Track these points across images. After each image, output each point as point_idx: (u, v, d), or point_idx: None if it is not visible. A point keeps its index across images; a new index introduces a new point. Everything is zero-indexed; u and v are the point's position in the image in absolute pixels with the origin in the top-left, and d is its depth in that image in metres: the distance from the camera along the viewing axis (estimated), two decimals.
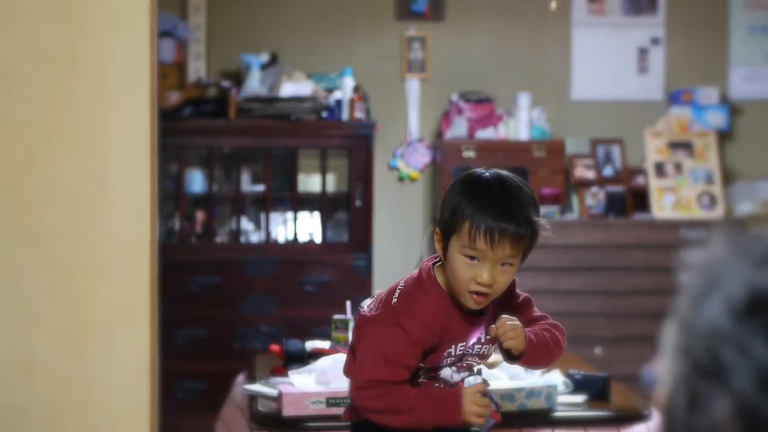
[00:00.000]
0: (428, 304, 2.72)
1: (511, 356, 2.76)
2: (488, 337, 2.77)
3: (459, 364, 2.80)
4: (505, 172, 2.74)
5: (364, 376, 2.71)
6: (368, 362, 2.70)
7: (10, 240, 3.73)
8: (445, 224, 2.68)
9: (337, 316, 4.19)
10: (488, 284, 2.64)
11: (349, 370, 2.81)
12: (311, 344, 4.02)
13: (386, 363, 2.68)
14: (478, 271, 2.64)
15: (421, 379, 2.77)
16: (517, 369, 3.71)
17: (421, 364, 2.75)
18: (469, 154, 6.40)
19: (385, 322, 2.69)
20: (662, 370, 1.04)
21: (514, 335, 2.69)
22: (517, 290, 2.86)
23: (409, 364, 2.70)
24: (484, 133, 6.51)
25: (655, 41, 6.82)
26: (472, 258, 2.64)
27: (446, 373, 2.80)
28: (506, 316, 2.72)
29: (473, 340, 2.77)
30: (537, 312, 2.87)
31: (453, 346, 2.75)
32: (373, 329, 2.71)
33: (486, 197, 2.66)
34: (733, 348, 0.97)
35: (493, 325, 2.71)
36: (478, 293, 2.66)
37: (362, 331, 2.75)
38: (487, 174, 2.71)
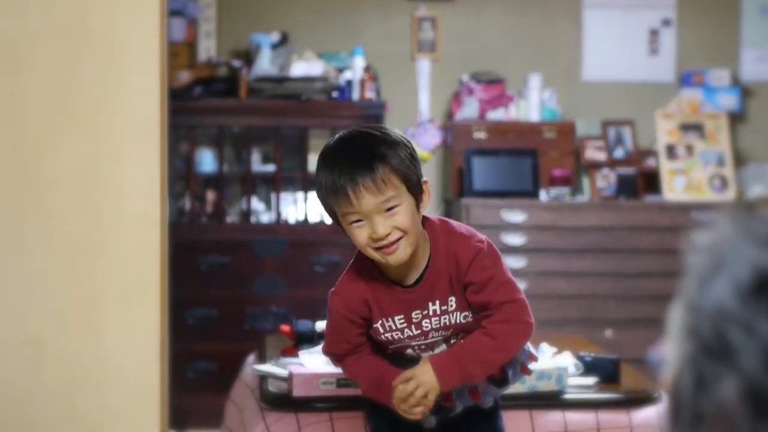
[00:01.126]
0: (348, 281, 2.76)
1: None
2: (444, 308, 2.71)
3: (421, 343, 2.77)
4: (351, 129, 2.69)
5: (323, 349, 2.90)
6: (326, 334, 2.87)
7: (21, 219, 3.73)
8: (329, 208, 2.65)
9: None
10: (383, 235, 2.57)
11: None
12: (321, 325, 4.02)
13: (330, 337, 2.82)
14: (368, 230, 2.59)
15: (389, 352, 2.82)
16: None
17: (389, 342, 2.77)
18: (480, 135, 6.39)
19: (328, 305, 2.79)
20: (669, 351, 1.03)
21: (415, 402, 2.67)
22: (481, 268, 2.68)
23: (350, 338, 2.77)
24: (495, 114, 6.50)
25: (666, 23, 6.79)
26: (358, 221, 2.59)
27: (409, 353, 2.81)
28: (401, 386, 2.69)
29: (416, 311, 2.71)
30: (494, 296, 2.67)
31: (391, 320, 2.72)
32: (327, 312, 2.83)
33: (327, 162, 2.62)
34: (740, 328, 0.96)
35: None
36: (382, 247, 2.60)
37: None
38: (333, 139, 2.68)
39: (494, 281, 2.67)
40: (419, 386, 2.66)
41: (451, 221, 2.77)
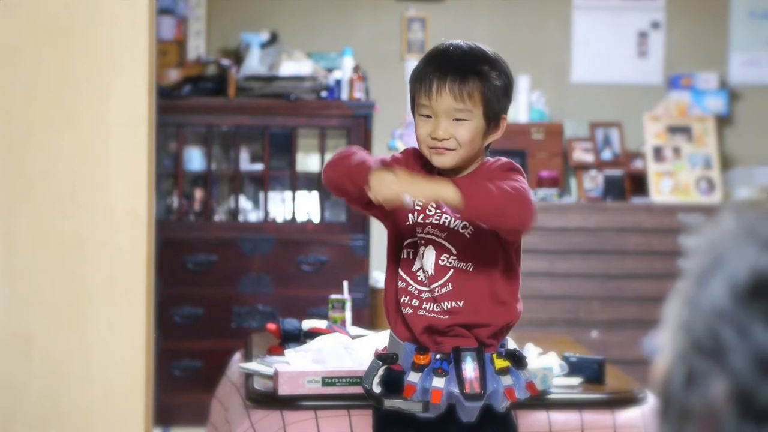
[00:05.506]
0: (396, 155, 2.88)
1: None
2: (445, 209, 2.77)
3: (422, 236, 2.81)
4: (465, 41, 2.89)
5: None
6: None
7: (7, 215, 3.73)
8: (411, 95, 2.82)
9: (334, 296, 4.20)
10: (441, 138, 2.73)
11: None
12: (308, 323, 4.02)
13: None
14: (432, 126, 2.75)
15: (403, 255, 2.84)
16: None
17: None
18: None
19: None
20: (662, 344, 1.04)
21: (378, 185, 2.64)
22: (503, 170, 2.80)
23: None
24: None
25: (655, 25, 6.81)
26: (427, 117, 2.76)
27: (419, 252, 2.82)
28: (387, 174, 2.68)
29: (433, 204, 2.76)
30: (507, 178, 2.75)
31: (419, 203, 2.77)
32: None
33: (431, 57, 2.83)
34: (734, 329, 0.97)
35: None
36: (436, 148, 2.75)
37: None
38: (447, 41, 2.87)
39: (511, 178, 2.72)
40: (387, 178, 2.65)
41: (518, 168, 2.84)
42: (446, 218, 2.78)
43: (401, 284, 2.82)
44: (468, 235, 2.78)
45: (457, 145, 2.74)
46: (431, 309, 2.78)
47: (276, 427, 3.36)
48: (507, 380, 2.77)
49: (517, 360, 2.80)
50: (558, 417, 3.49)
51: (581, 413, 3.50)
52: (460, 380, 2.72)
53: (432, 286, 2.78)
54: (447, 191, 2.62)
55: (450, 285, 2.77)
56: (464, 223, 2.76)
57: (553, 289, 6.13)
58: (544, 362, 3.66)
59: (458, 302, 2.77)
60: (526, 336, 4.29)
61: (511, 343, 2.93)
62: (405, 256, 2.83)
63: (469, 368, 2.73)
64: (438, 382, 2.73)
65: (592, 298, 6.13)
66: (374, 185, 2.64)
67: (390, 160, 2.82)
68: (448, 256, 2.79)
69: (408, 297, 2.81)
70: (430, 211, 2.79)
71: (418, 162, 2.84)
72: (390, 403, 2.78)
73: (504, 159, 2.85)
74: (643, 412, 3.54)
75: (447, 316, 2.77)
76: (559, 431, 3.46)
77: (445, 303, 2.77)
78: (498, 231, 2.72)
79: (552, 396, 3.53)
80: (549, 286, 6.12)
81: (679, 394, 1.00)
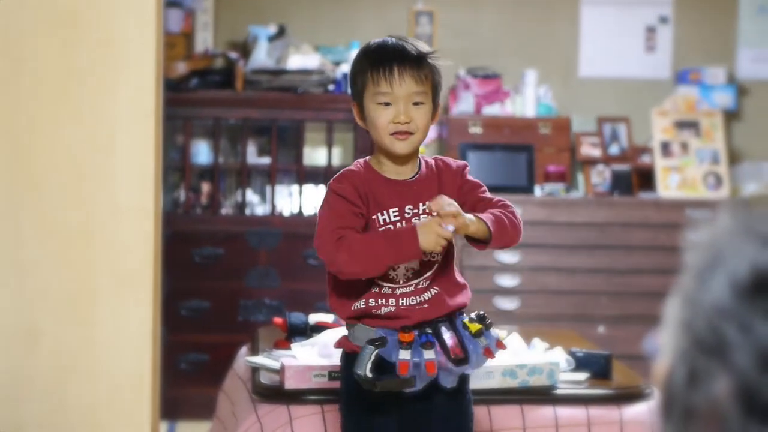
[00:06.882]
0: (352, 170, 2.94)
1: (476, 240, 2.85)
2: (425, 208, 2.87)
3: None
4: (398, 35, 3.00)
5: (317, 233, 2.88)
6: (320, 225, 2.87)
7: (15, 208, 3.73)
8: (356, 89, 2.93)
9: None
10: (404, 121, 2.85)
11: (315, 243, 2.93)
12: (314, 317, 4.02)
13: (326, 224, 2.85)
14: (392, 112, 2.86)
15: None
16: (518, 345, 3.72)
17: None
18: (476, 129, 6.40)
19: (325, 197, 2.92)
20: (663, 343, 1.03)
21: (450, 210, 2.75)
22: (469, 177, 2.98)
23: (348, 222, 2.85)
24: (491, 109, 6.50)
25: (663, 20, 6.80)
26: (386, 105, 2.86)
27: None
28: (444, 196, 2.82)
29: (409, 206, 2.90)
30: (488, 195, 2.95)
31: (386, 212, 2.89)
32: (321, 207, 2.92)
33: (380, 48, 2.93)
34: (736, 326, 0.96)
35: (429, 202, 2.81)
36: (399, 133, 2.87)
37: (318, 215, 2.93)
38: (376, 39, 2.98)
39: (482, 186, 2.97)
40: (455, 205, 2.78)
41: None
42: (423, 217, 2.89)
43: (374, 289, 2.92)
44: None
45: (417, 128, 2.89)
46: (409, 304, 2.92)
47: (282, 421, 3.36)
48: (483, 342, 2.93)
49: (484, 321, 2.96)
50: (564, 412, 3.48)
51: (588, 408, 3.50)
52: (445, 349, 2.88)
53: (414, 282, 2.92)
54: (480, 226, 2.80)
55: (431, 278, 2.94)
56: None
57: (559, 284, 6.12)
58: (550, 357, 3.66)
59: (435, 289, 2.93)
60: (532, 331, 4.29)
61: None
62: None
63: (447, 336, 2.89)
64: (429, 354, 2.87)
65: (599, 293, 6.12)
66: (428, 246, 2.77)
67: (349, 174, 2.93)
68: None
69: (383, 299, 2.92)
70: (408, 213, 2.91)
71: (370, 171, 2.94)
72: (384, 384, 2.87)
73: (457, 162, 3.01)
74: (650, 408, 3.53)
75: (427, 305, 2.92)
76: (566, 426, 3.46)
77: (425, 294, 2.92)
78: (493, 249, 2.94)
79: (559, 391, 3.53)
80: (556, 281, 6.12)
81: (681, 393, 1.00)
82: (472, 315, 2.97)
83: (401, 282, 2.91)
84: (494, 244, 2.83)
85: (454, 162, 3.01)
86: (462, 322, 2.93)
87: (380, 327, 2.91)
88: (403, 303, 2.91)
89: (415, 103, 2.88)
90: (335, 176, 2.95)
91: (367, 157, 3.01)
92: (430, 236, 2.75)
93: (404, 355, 2.86)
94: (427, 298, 2.92)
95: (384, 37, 2.99)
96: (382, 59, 2.88)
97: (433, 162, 3.00)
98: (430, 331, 2.89)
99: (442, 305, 2.93)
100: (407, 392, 2.90)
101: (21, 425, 3.75)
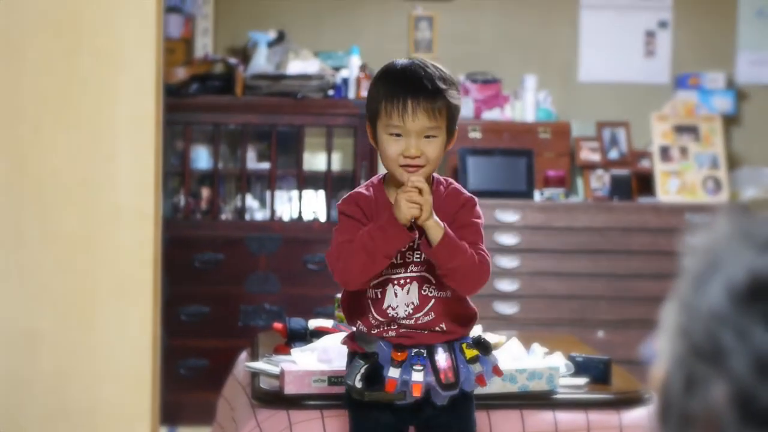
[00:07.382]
0: (359, 192, 2.95)
1: (418, 230, 2.81)
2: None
3: (400, 276, 2.91)
4: (418, 58, 2.95)
5: (328, 254, 2.94)
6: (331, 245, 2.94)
7: (16, 213, 3.73)
8: (370, 114, 2.88)
9: (340, 295, 4.19)
10: (414, 155, 2.81)
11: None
12: (314, 323, 4.02)
13: (338, 240, 2.91)
14: (403, 145, 2.82)
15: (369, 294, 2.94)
16: (517, 350, 3.72)
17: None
18: (475, 134, 6.40)
19: (338, 221, 2.94)
20: (660, 349, 1.03)
21: (418, 184, 2.76)
22: (470, 211, 2.93)
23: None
24: (490, 114, 6.50)
25: (662, 24, 6.81)
26: (397, 136, 2.82)
27: (389, 291, 2.91)
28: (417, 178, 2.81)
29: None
30: (475, 237, 2.89)
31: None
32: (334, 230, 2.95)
33: (397, 77, 2.87)
34: (733, 332, 0.96)
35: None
36: (408, 166, 2.82)
37: None
38: (398, 61, 2.93)
39: (475, 227, 2.90)
40: (426, 194, 2.77)
41: None
42: (423, 255, 2.88)
43: (371, 320, 2.94)
44: None
45: (427, 161, 2.84)
46: (409, 325, 2.92)
47: (282, 427, 3.36)
48: (477, 368, 2.92)
49: (484, 347, 2.95)
50: (564, 417, 3.48)
51: (587, 413, 3.50)
52: (435, 371, 2.88)
53: (415, 316, 2.92)
54: (439, 232, 2.77)
55: (432, 314, 2.92)
56: None
57: (559, 288, 6.12)
58: (550, 362, 3.66)
59: (441, 326, 2.92)
60: (532, 335, 4.29)
61: (474, 330, 3.09)
62: (372, 296, 2.94)
63: (442, 358, 2.89)
64: (417, 376, 2.87)
65: (599, 297, 6.12)
66: (402, 214, 2.77)
67: (355, 195, 2.94)
68: (428, 285, 2.92)
69: (381, 326, 2.94)
70: (409, 257, 2.90)
71: (379, 191, 2.93)
72: (373, 395, 2.89)
73: (467, 194, 2.96)
74: (650, 413, 3.53)
75: (426, 332, 2.92)
76: (565, 431, 3.46)
77: (426, 328, 2.92)
78: (445, 282, 2.87)
79: (558, 396, 3.53)
80: (555, 285, 6.12)
81: (679, 400, 1.00)
82: (470, 339, 2.96)
83: (389, 316, 2.91)
84: (442, 257, 2.78)
85: (465, 193, 2.97)
86: (460, 346, 2.93)
87: (380, 338, 2.93)
88: (402, 332, 2.92)
89: (427, 137, 2.83)
90: (343, 198, 2.97)
91: (385, 173, 2.97)
92: (400, 204, 2.76)
93: (393, 373, 2.88)
94: (426, 325, 2.92)
95: (401, 58, 2.94)
96: (396, 91, 2.82)
97: (445, 182, 2.96)
98: (423, 353, 2.89)
99: (443, 336, 2.93)
100: (398, 404, 2.91)
101: (21, 429, 3.75)
